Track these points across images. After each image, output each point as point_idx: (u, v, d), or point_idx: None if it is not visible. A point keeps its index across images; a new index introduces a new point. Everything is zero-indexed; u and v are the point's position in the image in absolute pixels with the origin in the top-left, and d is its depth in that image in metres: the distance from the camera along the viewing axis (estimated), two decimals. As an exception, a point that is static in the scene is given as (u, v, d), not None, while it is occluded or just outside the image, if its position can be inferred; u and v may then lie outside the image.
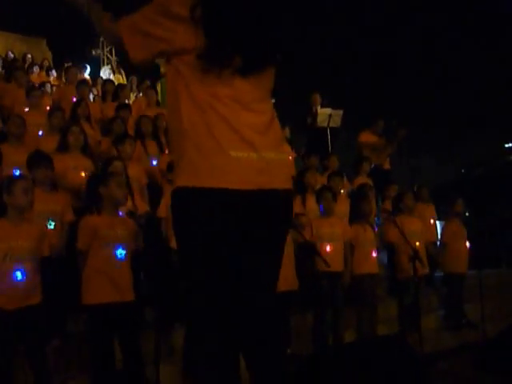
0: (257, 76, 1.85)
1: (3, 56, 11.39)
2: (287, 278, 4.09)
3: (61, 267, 3.96)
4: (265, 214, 1.81)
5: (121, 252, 3.59)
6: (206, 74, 1.78)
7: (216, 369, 1.77)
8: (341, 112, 8.72)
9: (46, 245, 3.52)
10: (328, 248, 4.82)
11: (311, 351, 4.47)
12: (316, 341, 4.60)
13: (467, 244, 6.15)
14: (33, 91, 6.76)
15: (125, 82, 11.23)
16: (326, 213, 5.00)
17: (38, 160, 4.24)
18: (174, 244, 4.23)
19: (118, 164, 4.55)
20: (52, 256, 3.67)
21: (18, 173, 4.38)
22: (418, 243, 5.08)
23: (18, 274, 3.23)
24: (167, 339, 4.17)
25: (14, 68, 8.31)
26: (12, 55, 11.51)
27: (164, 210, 4.62)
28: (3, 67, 9.98)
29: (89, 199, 3.87)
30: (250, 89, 1.84)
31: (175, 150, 1.87)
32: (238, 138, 1.76)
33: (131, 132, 6.17)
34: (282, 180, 1.86)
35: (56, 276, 3.82)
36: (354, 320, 5.07)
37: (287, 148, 1.87)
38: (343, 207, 5.53)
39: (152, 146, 6.11)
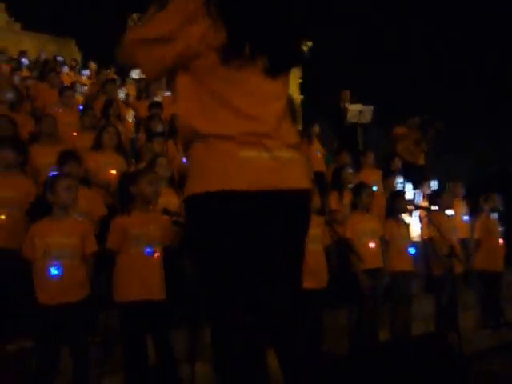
0: (279, 75, 1.80)
1: (35, 58, 11.62)
2: (317, 275, 4.02)
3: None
4: (280, 213, 1.76)
5: (151, 250, 3.58)
6: (224, 73, 1.71)
7: (243, 360, 1.73)
8: (371, 108, 8.71)
9: (91, 241, 3.54)
10: (368, 244, 4.72)
11: (344, 350, 4.39)
12: (353, 340, 4.49)
13: (501, 241, 5.98)
14: (66, 91, 6.85)
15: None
16: (365, 209, 4.89)
17: (65, 157, 4.30)
18: None
19: (161, 160, 4.59)
20: None
21: (54, 172, 4.40)
22: (454, 240, 4.96)
23: (54, 270, 3.28)
24: (199, 337, 4.15)
25: (47, 70, 8.45)
26: (44, 56, 11.70)
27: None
28: (36, 68, 10.14)
29: (120, 199, 3.88)
30: (271, 88, 1.78)
31: (187, 155, 1.82)
32: (250, 138, 1.70)
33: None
34: (296, 179, 1.79)
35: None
36: (388, 318, 4.97)
37: (301, 147, 1.79)
38: (378, 204, 5.43)
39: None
